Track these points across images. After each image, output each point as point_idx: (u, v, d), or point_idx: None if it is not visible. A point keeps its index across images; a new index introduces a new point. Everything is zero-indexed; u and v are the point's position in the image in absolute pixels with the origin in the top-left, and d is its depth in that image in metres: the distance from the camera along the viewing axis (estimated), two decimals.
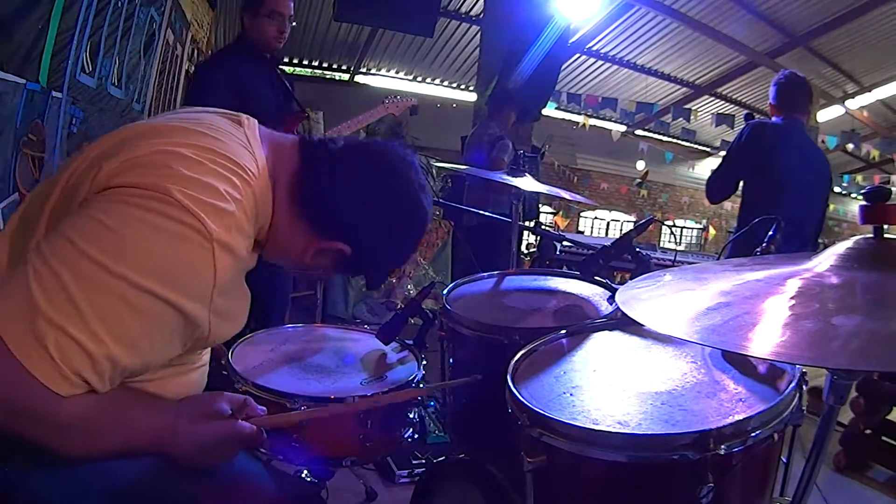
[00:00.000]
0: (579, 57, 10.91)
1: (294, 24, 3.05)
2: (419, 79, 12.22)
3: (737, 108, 12.87)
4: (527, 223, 2.38)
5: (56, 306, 0.85)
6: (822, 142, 11.09)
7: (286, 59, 9.44)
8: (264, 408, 1.22)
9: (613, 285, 1.68)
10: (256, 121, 1.20)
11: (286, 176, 1.13)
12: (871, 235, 0.92)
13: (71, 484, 0.99)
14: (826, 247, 0.96)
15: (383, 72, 11.92)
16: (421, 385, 1.54)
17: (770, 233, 1.77)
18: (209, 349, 1.26)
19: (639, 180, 14.76)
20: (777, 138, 3.33)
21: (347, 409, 1.39)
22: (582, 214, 15.69)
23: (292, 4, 3.04)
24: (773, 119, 3.45)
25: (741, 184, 3.42)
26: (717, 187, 3.51)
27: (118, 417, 0.97)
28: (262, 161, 1.10)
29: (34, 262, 0.88)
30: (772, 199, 3.18)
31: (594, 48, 10.75)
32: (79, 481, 1.00)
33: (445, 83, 12.32)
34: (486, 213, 2.81)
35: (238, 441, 1.11)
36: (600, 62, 11.23)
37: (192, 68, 6.43)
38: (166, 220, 0.91)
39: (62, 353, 0.85)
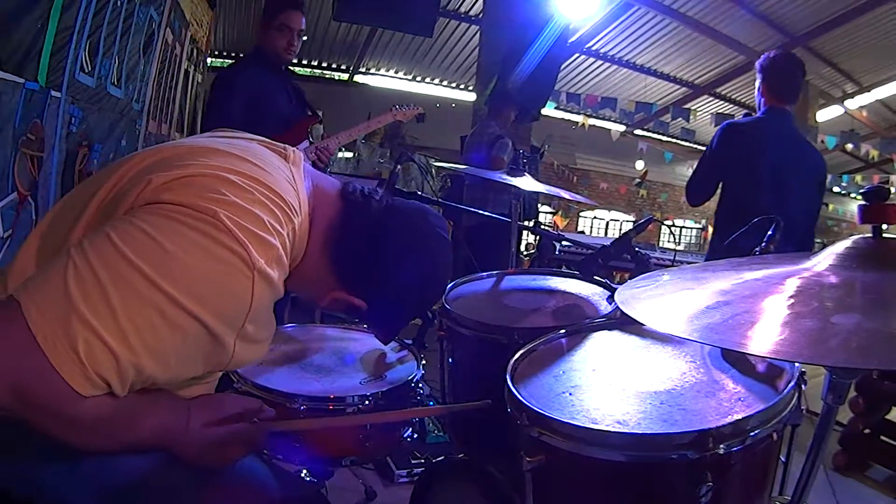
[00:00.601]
0: (578, 56, 10.92)
1: (305, 38, 3.12)
2: (418, 78, 12.23)
3: (736, 107, 12.89)
4: (526, 223, 2.37)
5: (91, 306, 0.85)
6: (822, 142, 11.10)
7: None
8: (273, 410, 1.23)
9: (613, 285, 1.68)
10: (301, 154, 1.22)
11: (325, 220, 1.15)
12: (869, 235, 0.92)
13: (80, 478, 1.00)
14: (825, 246, 0.96)
15: (382, 71, 11.94)
16: (420, 384, 1.54)
17: (769, 232, 1.77)
18: None
19: (638, 180, 14.79)
20: (752, 138, 3.13)
21: (355, 420, 1.40)
22: (581, 214, 15.71)
23: (304, 20, 3.11)
24: (759, 110, 3.21)
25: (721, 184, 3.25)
26: (695, 191, 3.34)
27: (133, 416, 0.98)
28: (305, 200, 1.12)
29: (75, 258, 0.88)
30: (750, 199, 3.04)
31: (593, 48, 10.76)
32: (87, 476, 1.00)
33: (445, 83, 12.33)
34: (486, 213, 2.81)
35: (246, 445, 1.13)
36: (600, 62, 11.25)
37: (192, 68, 6.44)
38: (213, 242, 0.91)
39: (90, 354, 0.85)
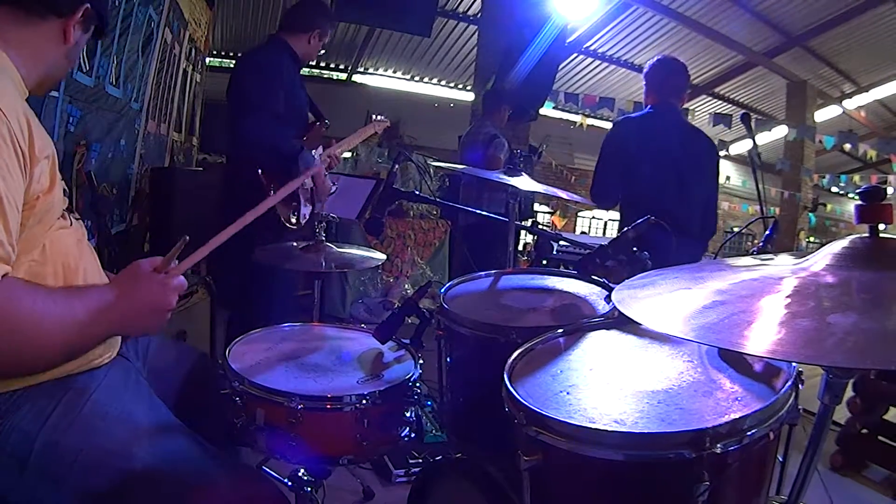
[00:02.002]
0: (577, 56, 10.91)
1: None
2: (416, 78, 12.21)
3: (734, 107, 12.89)
4: (523, 223, 2.37)
5: None
6: (820, 141, 11.11)
7: None
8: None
9: (610, 284, 1.68)
10: None
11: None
12: (866, 235, 0.92)
13: (39, 484, 1.10)
14: (822, 246, 0.97)
15: (381, 71, 11.92)
16: (417, 384, 1.54)
17: (767, 232, 1.78)
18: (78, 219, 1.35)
19: None
20: (639, 132, 3.25)
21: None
22: (579, 214, 15.69)
23: None
24: (646, 108, 3.37)
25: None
26: (598, 193, 3.37)
27: (66, 300, 1.09)
28: None
29: None
30: (644, 192, 3.09)
31: (591, 48, 10.76)
32: (53, 477, 1.10)
33: (443, 83, 12.32)
34: (483, 213, 2.81)
35: (169, 290, 1.23)
36: (598, 62, 11.24)
37: (190, 67, 6.42)
38: None
39: None
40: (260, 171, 2.91)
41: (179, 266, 1.29)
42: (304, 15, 3.17)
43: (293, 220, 3.04)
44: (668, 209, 2.88)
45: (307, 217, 3.10)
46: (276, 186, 2.88)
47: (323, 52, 3.29)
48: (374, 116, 3.89)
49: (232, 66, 4.05)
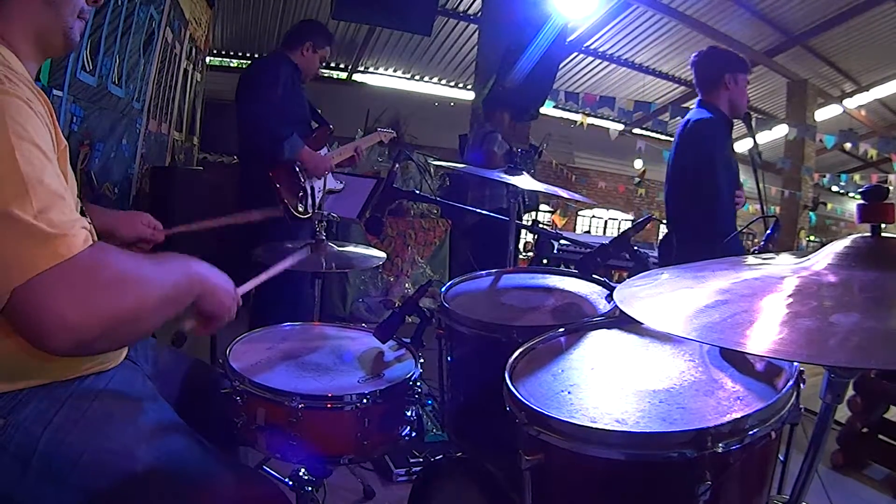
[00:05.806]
0: (577, 55, 10.91)
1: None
2: (417, 77, 12.21)
3: None
4: (527, 216, 2.38)
5: None
6: (820, 141, 11.10)
7: None
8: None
9: (611, 283, 1.68)
10: None
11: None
12: (868, 234, 0.92)
13: (42, 484, 1.10)
14: (822, 245, 0.96)
15: (381, 70, 11.92)
16: (417, 383, 1.54)
17: (768, 232, 1.78)
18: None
19: (637, 179, 14.76)
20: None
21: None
22: (580, 213, 15.70)
23: None
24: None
25: None
26: None
27: (177, 263, 1.14)
28: None
29: None
30: None
31: (592, 47, 10.75)
32: (56, 477, 1.10)
33: (443, 82, 12.31)
34: (484, 212, 2.81)
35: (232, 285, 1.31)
36: (598, 61, 11.24)
37: (191, 67, 6.42)
38: None
39: (43, 216, 0.92)
40: (271, 173, 3.18)
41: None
42: (297, 31, 3.60)
43: (300, 209, 3.22)
44: (669, 213, 3.30)
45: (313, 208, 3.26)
46: (285, 187, 3.22)
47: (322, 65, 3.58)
48: (378, 129, 4.15)
49: (232, 65, 4.19)
